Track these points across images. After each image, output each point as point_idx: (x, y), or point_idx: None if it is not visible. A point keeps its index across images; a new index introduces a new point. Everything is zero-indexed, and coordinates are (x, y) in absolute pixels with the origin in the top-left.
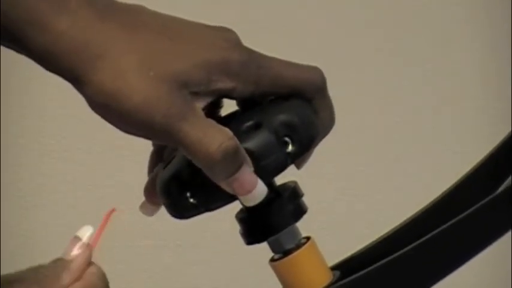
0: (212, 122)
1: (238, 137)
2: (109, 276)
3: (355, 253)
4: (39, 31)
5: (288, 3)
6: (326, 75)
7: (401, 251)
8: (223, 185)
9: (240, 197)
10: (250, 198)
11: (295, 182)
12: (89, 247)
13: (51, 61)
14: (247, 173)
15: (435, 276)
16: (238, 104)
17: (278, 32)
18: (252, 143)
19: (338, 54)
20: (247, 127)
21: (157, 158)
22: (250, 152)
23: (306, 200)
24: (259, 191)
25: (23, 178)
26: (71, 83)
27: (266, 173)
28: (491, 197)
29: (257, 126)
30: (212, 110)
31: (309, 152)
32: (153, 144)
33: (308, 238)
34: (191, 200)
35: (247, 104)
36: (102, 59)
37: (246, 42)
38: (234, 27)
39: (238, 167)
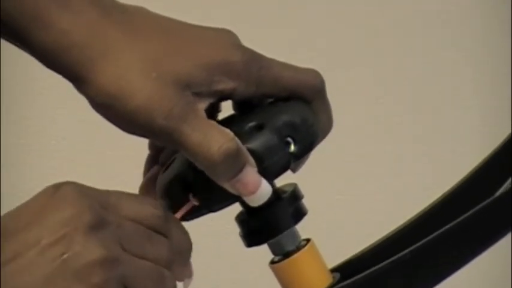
0: (213, 124)
1: (240, 138)
2: None
3: (355, 255)
4: (41, 28)
5: (288, 4)
6: (326, 75)
7: (401, 253)
8: (227, 187)
9: (245, 198)
10: (254, 198)
11: (295, 185)
12: None
13: (52, 59)
14: (251, 173)
15: (435, 278)
16: (234, 108)
17: (277, 32)
18: (255, 144)
19: (337, 54)
20: (250, 128)
21: (154, 162)
22: (253, 153)
23: (305, 200)
24: (264, 191)
25: (23, 178)
26: (72, 82)
27: (269, 173)
28: (491, 199)
29: (260, 127)
30: (211, 114)
31: (309, 153)
32: (150, 149)
33: (308, 240)
34: (194, 202)
35: (245, 107)
36: (104, 58)
37: (244, 43)
38: (231, 27)
39: (241, 168)
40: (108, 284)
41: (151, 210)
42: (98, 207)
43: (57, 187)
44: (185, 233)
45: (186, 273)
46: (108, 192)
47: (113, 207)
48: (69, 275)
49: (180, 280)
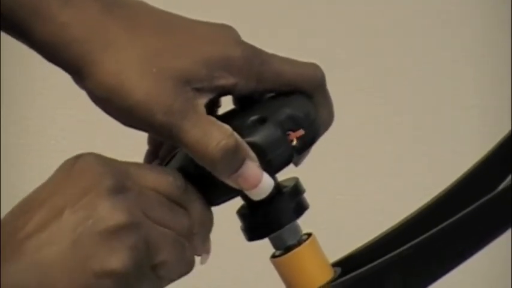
0: (212, 120)
1: (243, 132)
2: None
3: (356, 250)
4: (42, 21)
5: (288, 4)
6: (326, 75)
7: (401, 249)
8: (228, 182)
9: (247, 192)
10: (257, 192)
11: (296, 179)
12: None
13: (52, 52)
14: (252, 168)
15: (435, 274)
16: (235, 102)
17: (277, 32)
18: (258, 137)
19: (337, 54)
20: (252, 121)
21: (153, 158)
22: (256, 146)
23: (306, 198)
24: (266, 184)
25: (23, 178)
26: (72, 76)
27: (272, 167)
28: (490, 196)
29: (262, 121)
30: (211, 109)
31: (311, 146)
32: (149, 144)
33: (309, 234)
34: None
35: (245, 101)
36: (104, 52)
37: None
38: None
39: (240, 163)
40: (135, 248)
41: (172, 180)
42: (117, 174)
43: (77, 157)
44: (207, 207)
45: (204, 248)
46: (127, 162)
47: (133, 176)
48: (95, 240)
49: (198, 254)
